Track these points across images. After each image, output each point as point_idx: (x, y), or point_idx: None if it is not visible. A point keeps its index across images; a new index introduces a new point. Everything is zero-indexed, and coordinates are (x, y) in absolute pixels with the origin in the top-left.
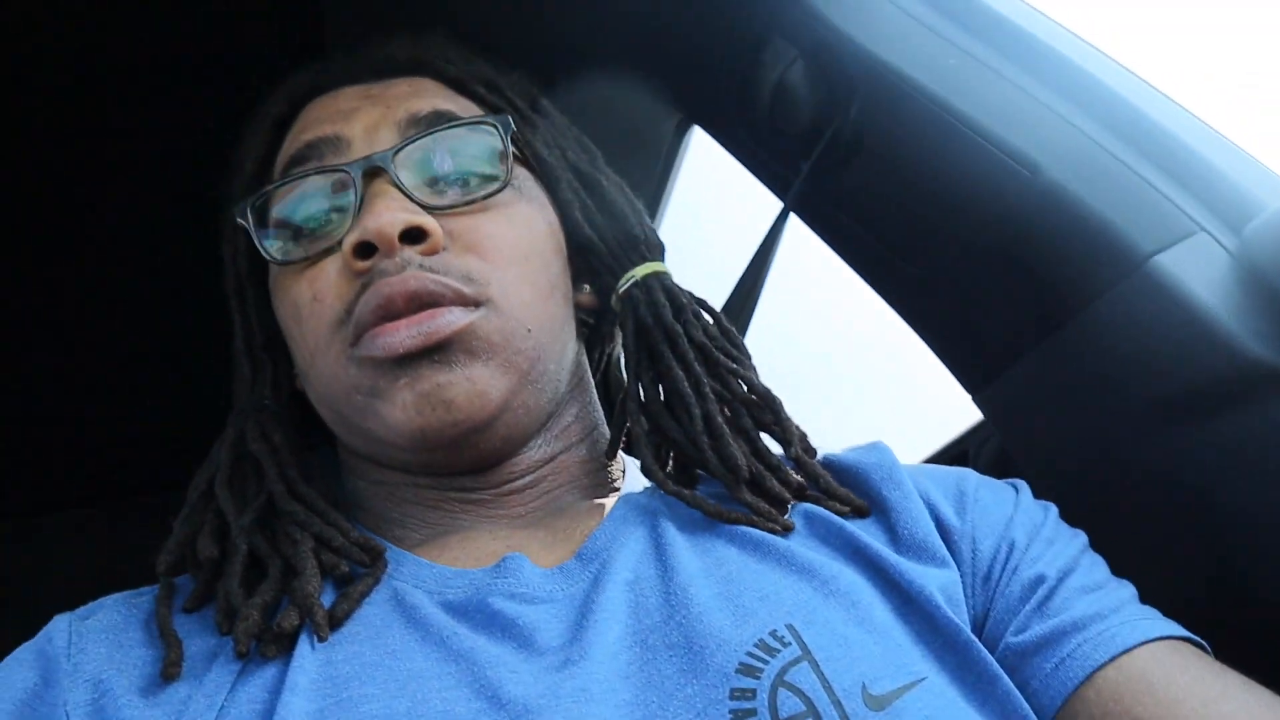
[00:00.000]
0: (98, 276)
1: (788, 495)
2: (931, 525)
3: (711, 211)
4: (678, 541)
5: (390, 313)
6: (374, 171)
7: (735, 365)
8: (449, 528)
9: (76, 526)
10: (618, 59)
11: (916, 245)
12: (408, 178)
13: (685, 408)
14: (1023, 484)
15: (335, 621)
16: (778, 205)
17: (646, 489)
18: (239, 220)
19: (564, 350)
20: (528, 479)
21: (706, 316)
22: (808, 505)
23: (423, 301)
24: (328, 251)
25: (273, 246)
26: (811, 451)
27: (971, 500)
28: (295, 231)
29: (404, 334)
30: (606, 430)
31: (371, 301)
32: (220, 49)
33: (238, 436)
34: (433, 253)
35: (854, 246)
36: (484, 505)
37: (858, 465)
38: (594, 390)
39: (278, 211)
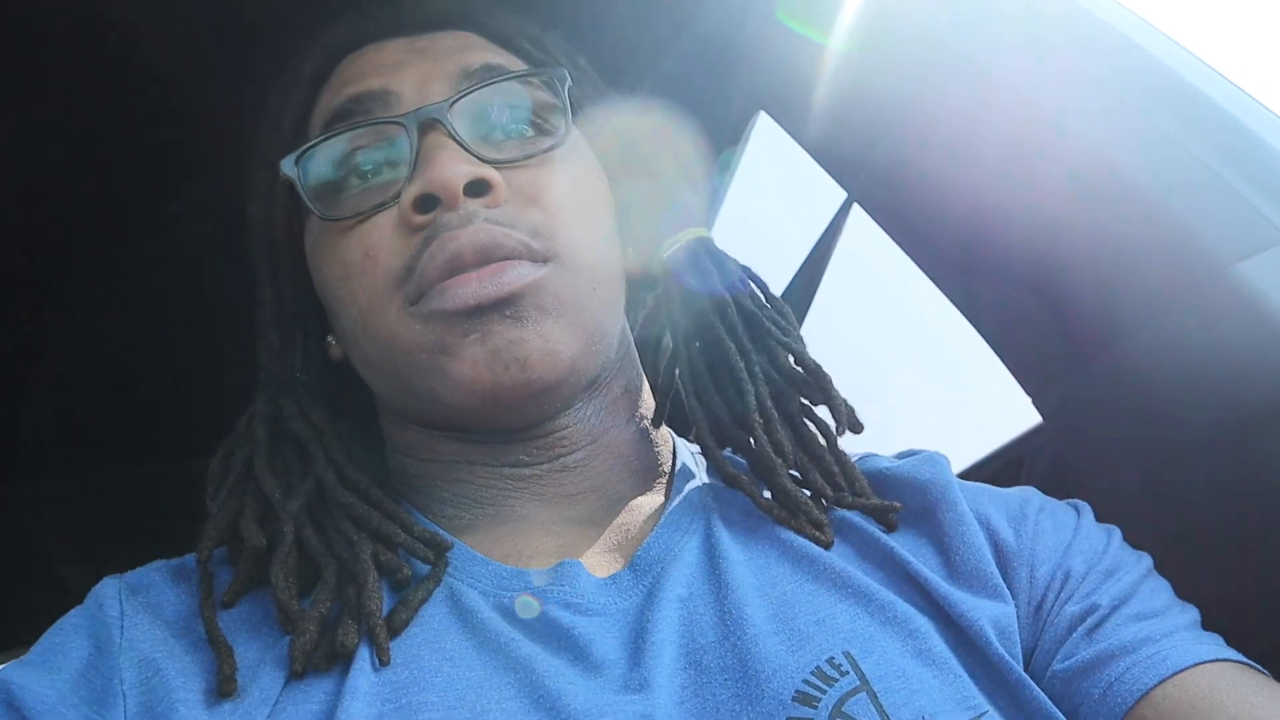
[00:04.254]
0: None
1: (828, 490)
2: (988, 551)
3: (773, 201)
4: (731, 555)
5: (458, 267)
6: (429, 124)
7: (785, 338)
8: (501, 513)
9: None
10: (685, 42)
11: (984, 242)
12: (465, 130)
13: (737, 387)
14: (1085, 506)
15: (394, 631)
16: (839, 196)
17: (700, 486)
18: (285, 174)
19: (618, 312)
20: (579, 455)
21: (753, 284)
22: (845, 514)
23: (491, 255)
24: (379, 208)
25: (318, 203)
26: (859, 427)
27: (1032, 523)
28: (341, 188)
29: (475, 286)
30: (651, 407)
31: (438, 256)
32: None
33: (273, 412)
34: (496, 206)
35: (917, 239)
36: (536, 483)
37: (913, 479)
38: (639, 363)
39: (322, 166)
